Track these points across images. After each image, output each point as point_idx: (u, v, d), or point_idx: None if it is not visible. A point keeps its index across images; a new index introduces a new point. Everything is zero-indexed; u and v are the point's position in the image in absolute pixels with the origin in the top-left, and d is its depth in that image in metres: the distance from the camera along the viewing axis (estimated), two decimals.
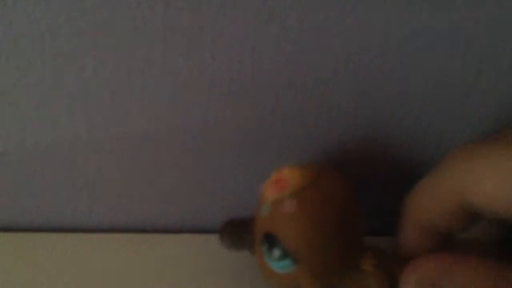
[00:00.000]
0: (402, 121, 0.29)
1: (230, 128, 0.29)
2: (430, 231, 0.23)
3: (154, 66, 0.27)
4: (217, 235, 0.26)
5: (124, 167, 0.30)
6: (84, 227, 0.32)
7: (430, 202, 0.22)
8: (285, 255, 0.23)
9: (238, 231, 0.26)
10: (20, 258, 0.29)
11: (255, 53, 0.26)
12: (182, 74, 0.27)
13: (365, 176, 0.31)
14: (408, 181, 0.29)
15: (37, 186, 0.31)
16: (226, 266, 0.29)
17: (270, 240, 0.24)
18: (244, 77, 0.27)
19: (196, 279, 0.28)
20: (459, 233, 0.23)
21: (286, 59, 0.27)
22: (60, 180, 0.31)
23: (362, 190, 0.31)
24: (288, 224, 0.23)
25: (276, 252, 0.23)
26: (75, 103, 0.28)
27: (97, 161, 0.30)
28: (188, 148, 0.30)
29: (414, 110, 0.28)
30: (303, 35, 0.26)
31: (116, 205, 0.32)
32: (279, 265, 0.24)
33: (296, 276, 0.23)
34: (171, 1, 0.25)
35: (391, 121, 0.29)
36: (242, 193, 0.31)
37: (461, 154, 0.21)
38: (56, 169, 0.30)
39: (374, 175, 0.31)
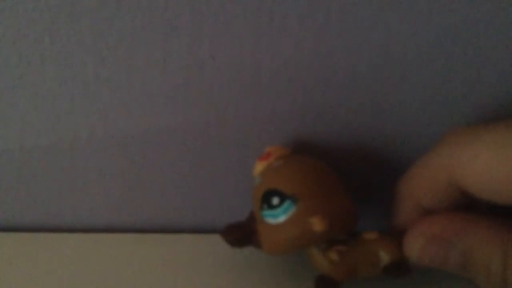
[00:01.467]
0: (402, 121, 0.29)
1: (230, 128, 0.29)
2: (423, 209, 0.23)
3: (154, 66, 0.27)
4: (217, 235, 0.26)
5: (124, 167, 0.30)
6: (84, 227, 0.32)
7: (422, 180, 0.22)
8: (283, 198, 0.24)
9: (240, 225, 0.26)
10: (20, 258, 0.30)
11: (255, 53, 0.26)
12: (182, 74, 0.27)
13: (365, 175, 0.31)
14: None
15: (37, 186, 0.31)
16: (226, 266, 0.29)
17: (267, 195, 0.25)
18: (244, 77, 0.27)
19: (196, 279, 0.28)
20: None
21: (286, 59, 0.27)
22: (60, 180, 0.31)
23: (362, 190, 0.31)
24: (279, 173, 0.25)
25: (275, 200, 0.24)
26: (75, 103, 0.28)
27: (97, 161, 0.30)
28: (188, 148, 0.30)
29: (414, 110, 0.28)
30: (303, 35, 0.26)
31: (116, 205, 0.32)
32: (282, 211, 0.24)
33: (301, 217, 0.23)
34: (171, 1, 0.25)
35: (391, 120, 0.29)
36: (242, 193, 0.31)
37: (455, 136, 0.21)
38: (56, 169, 0.30)
39: (374, 175, 0.31)
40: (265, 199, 0.24)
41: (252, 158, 0.30)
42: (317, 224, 0.23)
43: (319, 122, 0.29)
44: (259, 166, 0.27)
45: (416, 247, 0.22)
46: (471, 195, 0.20)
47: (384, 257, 0.24)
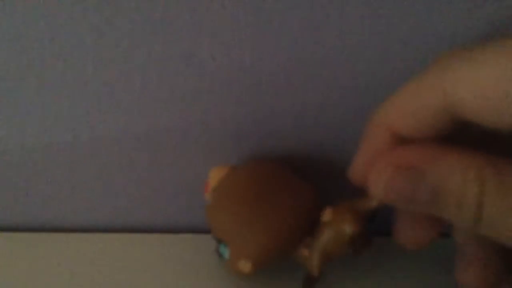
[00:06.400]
0: None
1: (230, 128, 0.29)
2: (399, 141, 0.21)
3: (154, 66, 0.27)
4: None
5: (124, 167, 0.30)
6: (84, 227, 0.32)
7: (410, 102, 0.20)
8: (218, 241, 0.25)
9: None
10: (20, 258, 0.30)
11: (255, 53, 0.26)
12: (182, 74, 0.27)
13: None
14: None
15: (37, 186, 0.31)
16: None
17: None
18: (244, 77, 0.27)
19: (196, 279, 0.28)
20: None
21: (286, 59, 0.27)
22: (60, 180, 0.31)
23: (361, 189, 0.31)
24: (209, 216, 0.26)
25: (215, 241, 0.26)
26: (75, 103, 0.28)
27: (97, 161, 0.30)
28: (188, 148, 0.30)
29: None
30: (303, 35, 0.26)
31: (116, 205, 0.32)
32: (222, 252, 0.25)
33: (233, 259, 0.25)
34: (171, 1, 0.25)
35: None
36: None
37: (447, 56, 0.19)
38: (56, 169, 0.30)
39: None
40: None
41: (252, 158, 0.30)
42: (244, 267, 0.24)
43: (319, 122, 0.29)
44: (206, 197, 0.27)
45: (382, 179, 0.19)
46: (465, 118, 0.18)
47: (347, 229, 0.23)
